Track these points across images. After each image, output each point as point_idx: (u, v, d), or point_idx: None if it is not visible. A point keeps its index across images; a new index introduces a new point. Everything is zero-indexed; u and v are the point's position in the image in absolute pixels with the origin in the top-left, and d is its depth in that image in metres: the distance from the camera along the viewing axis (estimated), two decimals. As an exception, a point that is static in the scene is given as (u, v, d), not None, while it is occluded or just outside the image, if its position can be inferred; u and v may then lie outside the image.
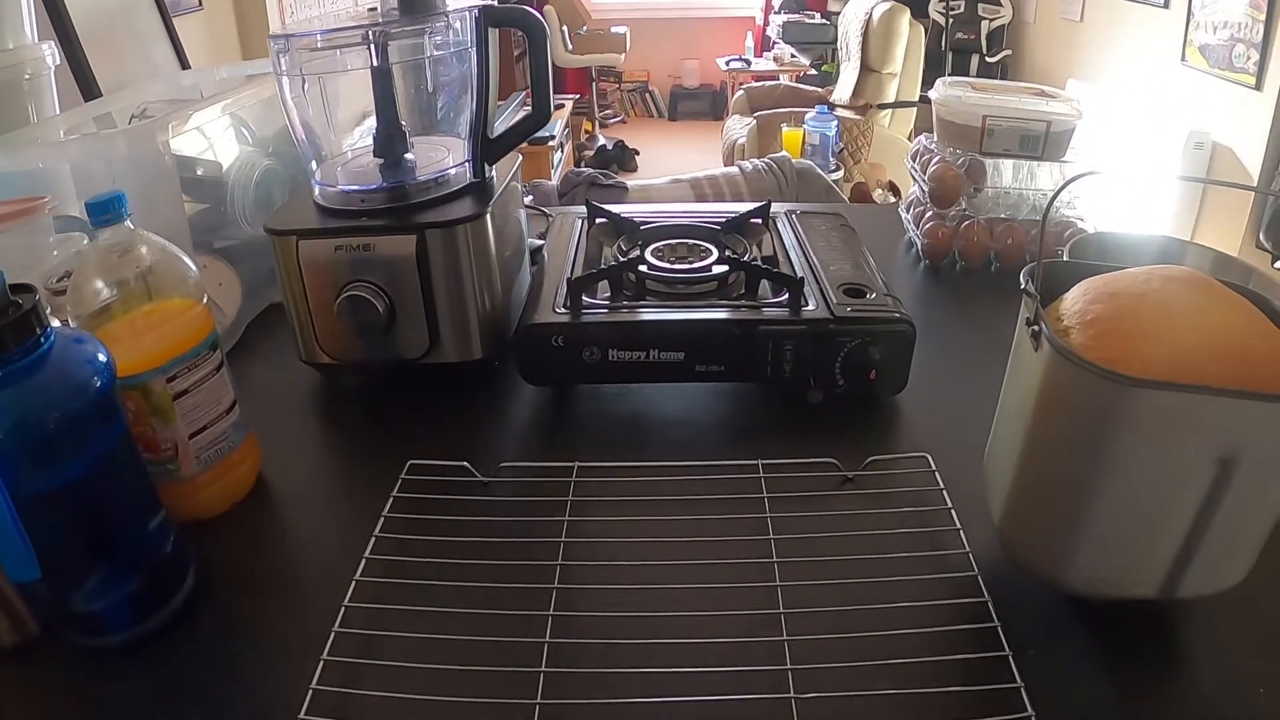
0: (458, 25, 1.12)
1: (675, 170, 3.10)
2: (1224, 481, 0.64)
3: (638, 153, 7.77)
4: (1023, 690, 0.68)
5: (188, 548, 0.83)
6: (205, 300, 0.88)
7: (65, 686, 0.76)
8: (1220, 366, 0.64)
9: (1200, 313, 0.68)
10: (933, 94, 1.57)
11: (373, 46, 1.08)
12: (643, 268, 1.15)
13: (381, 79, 1.10)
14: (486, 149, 1.14)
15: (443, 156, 1.17)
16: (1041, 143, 1.45)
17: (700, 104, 9.38)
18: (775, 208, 1.38)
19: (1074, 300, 0.74)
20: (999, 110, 1.45)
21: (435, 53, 1.14)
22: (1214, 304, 0.70)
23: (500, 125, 1.17)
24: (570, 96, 7.68)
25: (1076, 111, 1.45)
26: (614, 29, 8.12)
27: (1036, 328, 0.71)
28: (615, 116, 9.24)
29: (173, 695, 0.73)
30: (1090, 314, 0.71)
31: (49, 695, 0.75)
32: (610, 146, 7.66)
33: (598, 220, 1.34)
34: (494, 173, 1.18)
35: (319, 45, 1.09)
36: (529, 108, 1.17)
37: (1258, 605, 0.77)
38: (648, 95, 9.54)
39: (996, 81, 1.62)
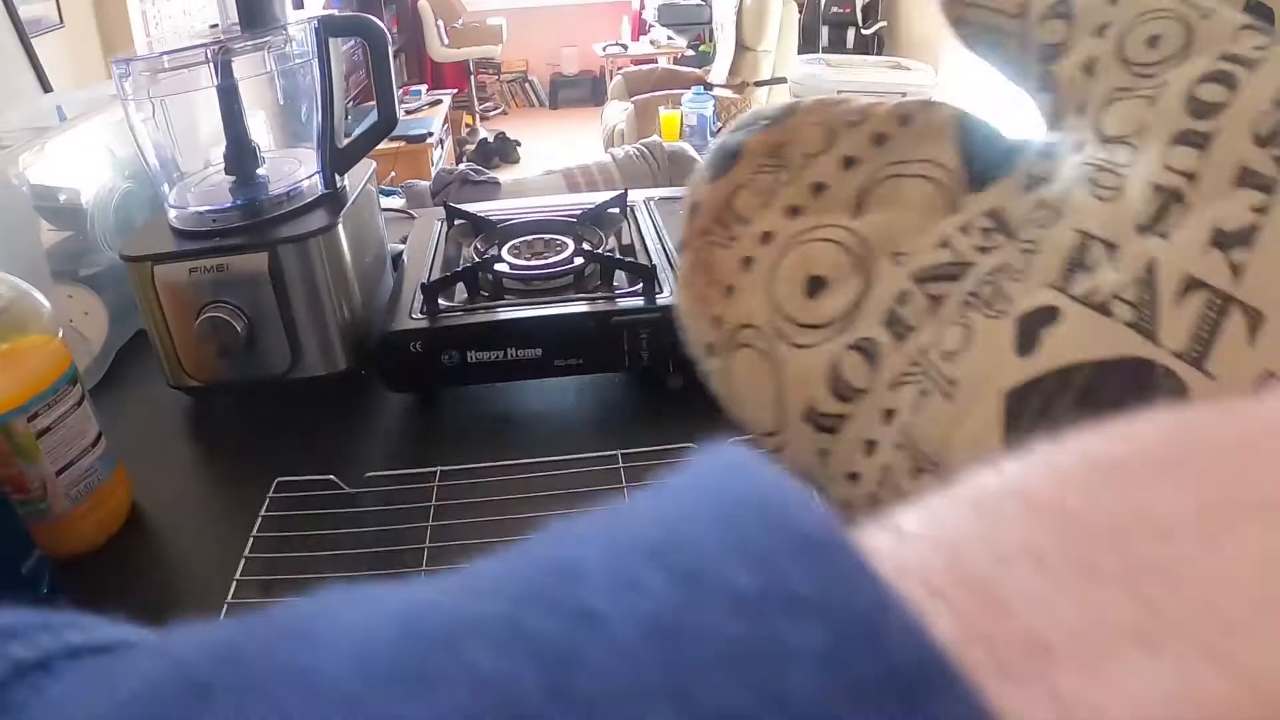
0: (299, 37, 1.13)
1: (559, 160, 3.11)
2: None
3: (519, 144, 7.75)
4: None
5: (62, 587, 0.83)
6: (60, 334, 0.88)
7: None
8: None
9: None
10: (789, 73, 1.60)
11: (212, 64, 1.08)
12: (499, 267, 1.16)
13: (225, 96, 1.10)
14: (336, 159, 1.15)
15: (295, 169, 1.17)
16: (896, 112, 1.49)
17: (581, 91, 9.38)
18: (635, 195, 1.40)
19: None
20: (853, 85, 1.49)
21: (278, 66, 1.14)
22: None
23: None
24: (448, 91, 7.63)
25: (931, 81, 1.49)
26: (490, 20, 8.10)
27: None
28: (496, 109, 9.21)
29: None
30: None
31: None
32: (491, 139, 7.63)
33: (456, 221, 1.35)
34: (346, 181, 1.18)
35: (164, 66, 1.09)
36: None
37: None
38: (527, 85, 9.51)
39: (852, 57, 1.65)
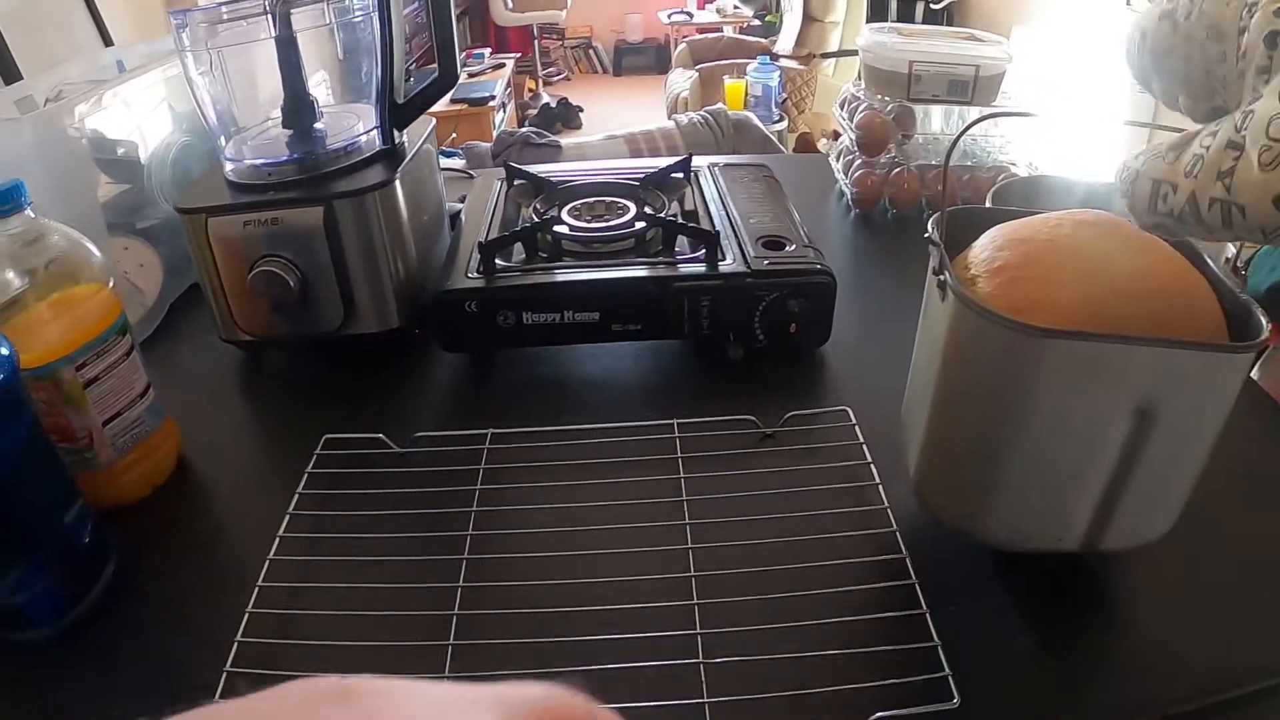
0: (360, -10, 1.11)
1: (621, 126, 3.09)
2: (1143, 431, 0.63)
3: (582, 110, 7.73)
4: (940, 649, 0.68)
5: (107, 536, 0.83)
6: (111, 284, 0.87)
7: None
8: (1133, 313, 0.62)
9: (1113, 257, 0.66)
10: (859, 41, 1.56)
11: (270, 16, 1.06)
12: (559, 228, 1.14)
13: (284, 49, 1.08)
14: (395, 114, 1.13)
15: (353, 124, 1.15)
16: (970, 87, 1.44)
17: (645, 58, 9.33)
18: (698, 161, 1.37)
19: (982, 248, 0.73)
20: (926, 55, 1.44)
21: (338, 19, 1.12)
22: (1128, 248, 0.67)
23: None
24: (511, 55, 7.61)
25: (1006, 55, 1.44)
26: (554, -15, 8.08)
27: (941, 277, 0.70)
28: (559, 74, 9.18)
29: (96, 684, 0.73)
30: (997, 261, 0.69)
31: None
32: (554, 104, 7.62)
33: (516, 181, 1.33)
34: (405, 138, 1.16)
35: (223, 18, 1.07)
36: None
37: (1188, 553, 0.76)
38: (591, 51, 9.48)
39: (924, 27, 1.60)
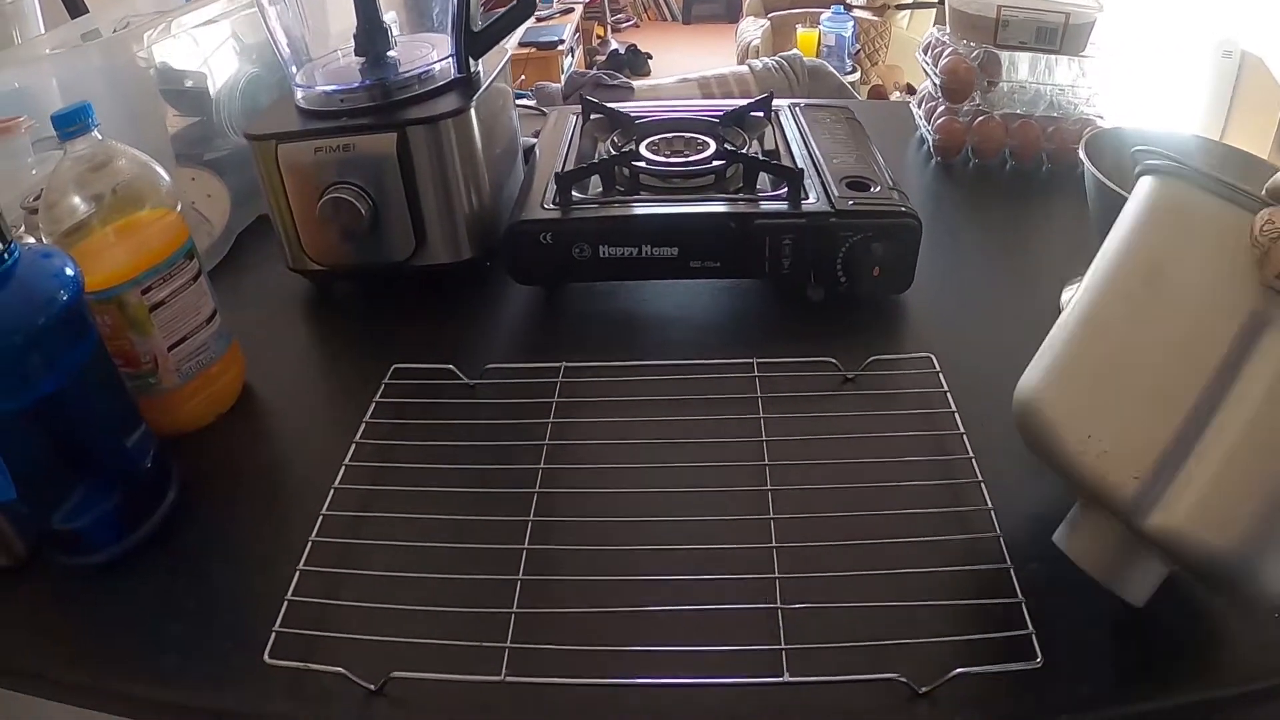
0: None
1: (689, 74, 3.05)
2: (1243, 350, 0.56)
3: (650, 56, 7.66)
4: (1023, 605, 0.65)
5: (169, 461, 0.82)
6: (179, 209, 0.85)
7: (52, 606, 0.74)
8: None
9: None
10: (942, -11, 1.51)
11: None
12: (638, 162, 1.11)
13: (357, -28, 1.06)
14: (470, 42, 1.10)
15: (427, 53, 1.12)
16: (1060, 35, 1.39)
17: (715, 6, 9.22)
18: (779, 101, 1.33)
19: None
20: (1015, 5, 1.39)
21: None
22: None
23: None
24: (580, 1, 7.56)
25: (1097, 4, 1.39)
26: (625, -70, 8.01)
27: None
28: (628, 20, 9.11)
29: (154, 610, 0.72)
30: None
31: (36, 615, 0.74)
32: (622, 51, 7.56)
33: (593, 116, 1.30)
34: (480, 67, 1.13)
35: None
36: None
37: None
38: (661, -2, 9.40)
39: (1012, -30, 1.54)
